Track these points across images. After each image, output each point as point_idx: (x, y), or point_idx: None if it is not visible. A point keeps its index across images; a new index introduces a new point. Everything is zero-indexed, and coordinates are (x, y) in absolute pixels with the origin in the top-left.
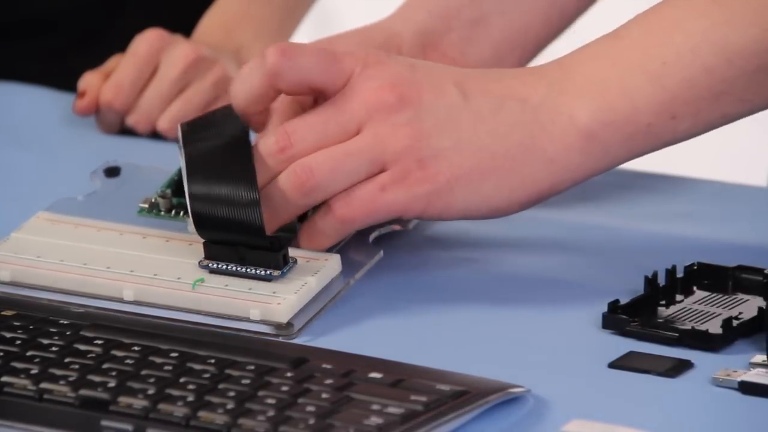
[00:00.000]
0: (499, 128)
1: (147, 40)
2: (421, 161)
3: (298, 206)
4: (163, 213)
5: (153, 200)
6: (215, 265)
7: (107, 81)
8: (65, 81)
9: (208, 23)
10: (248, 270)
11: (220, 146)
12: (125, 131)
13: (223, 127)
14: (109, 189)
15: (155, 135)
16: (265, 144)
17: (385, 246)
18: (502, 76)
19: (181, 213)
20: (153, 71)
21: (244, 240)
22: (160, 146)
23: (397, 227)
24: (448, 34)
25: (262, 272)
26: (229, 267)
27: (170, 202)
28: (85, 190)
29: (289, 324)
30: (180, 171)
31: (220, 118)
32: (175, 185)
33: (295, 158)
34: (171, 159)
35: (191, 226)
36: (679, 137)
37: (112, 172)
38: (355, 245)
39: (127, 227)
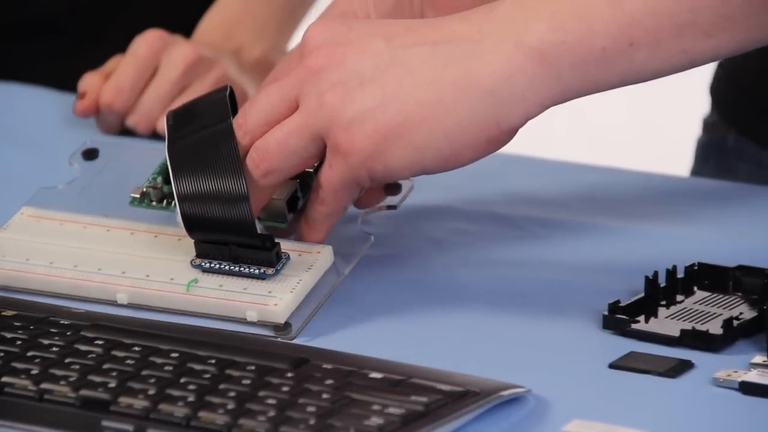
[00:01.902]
0: (428, 75)
1: (147, 41)
2: (346, 129)
3: (260, 188)
4: (154, 203)
5: (144, 190)
6: (208, 265)
7: (107, 82)
8: (65, 81)
9: (208, 23)
10: (242, 269)
11: (205, 145)
12: (126, 132)
13: (208, 120)
14: (88, 175)
15: (155, 136)
16: (234, 121)
17: (385, 246)
18: (448, 20)
19: (173, 203)
20: (153, 72)
21: (236, 240)
22: (161, 146)
23: (383, 207)
24: None
25: (256, 271)
26: (222, 266)
27: (161, 192)
28: (65, 176)
29: (287, 324)
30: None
31: (206, 109)
32: (166, 172)
33: (249, 134)
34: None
35: (180, 217)
36: (637, 69)
37: (91, 154)
38: (346, 234)
39: (114, 222)
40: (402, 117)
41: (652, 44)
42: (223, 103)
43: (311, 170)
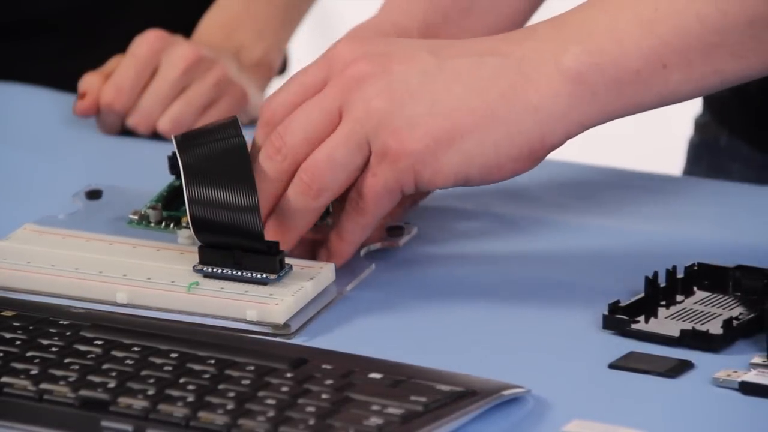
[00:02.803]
0: (477, 84)
1: (147, 41)
2: (396, 133)
3: (312, 210)
4: (153, 224)
5: (143, 212)
6: (210, 269)
7: (107, 82)
8: (65, 81)
9: (208, 23)
10: (244, 274)
11: (217, 151)
12: (126, 132)
13: (220, 133)
14: (91, 209)
15: (156, 136)
16: (264, 151)
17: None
18: (488, 38)
19: (171, 225)
20: (153, 72)
21: (242, 243)
22: (161, 147)
23: (386, 243)
24: (447, 25)
25: (258, 276)
26: (224, 271)
27: (160, 214)
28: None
29: (286, 325)
30: (170, 186)
31: (216, 127)
32: (164, 200)
33: (290, 156)
34: (163, 169)
35: (182, 239)
36: (673, 90)
37: (94, 194)
38: (348, 261)
39: (116, 238)
40: (453, 123)
41: (684, 65)
42: (235, 123)
43: None
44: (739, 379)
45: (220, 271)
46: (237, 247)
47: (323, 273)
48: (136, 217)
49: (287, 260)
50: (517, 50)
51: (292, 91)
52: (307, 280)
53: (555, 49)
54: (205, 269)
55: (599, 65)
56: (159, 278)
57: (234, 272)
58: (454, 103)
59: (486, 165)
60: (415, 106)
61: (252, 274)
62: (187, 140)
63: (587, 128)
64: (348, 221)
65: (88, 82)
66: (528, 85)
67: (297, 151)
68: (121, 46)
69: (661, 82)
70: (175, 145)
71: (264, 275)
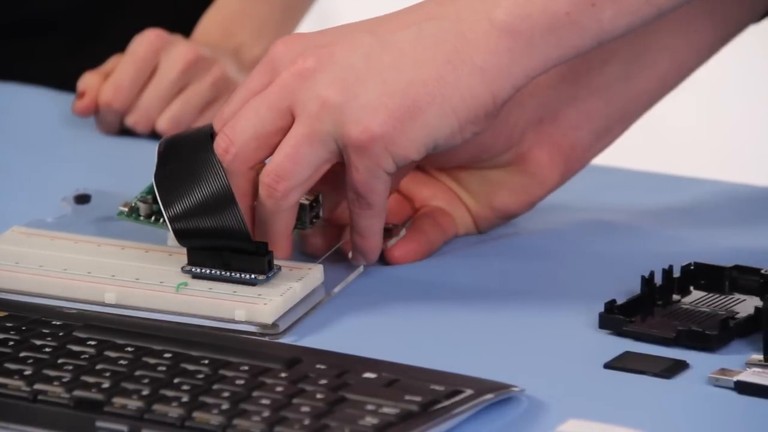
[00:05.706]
0: (422, 55)
1: (146, 40)
2: (359, 123)
3: (285, 210)
4: (142, 218)
5: (133, 204)
6: (198, 270)
7: (106, 81)
8: (65, 81)
9: (207, 23)
10: (233, 274)
11: (189, 162)
12: (125, 131)
13: (190, 141)
14: (79, 213)
15: (155, 135)
16: (216, 146)
17: None
18: (421, 4)
19: (161, 220)
20: (152, 71)
21: (229, 245)
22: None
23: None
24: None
25: (247, 276)
26: (212, 272)
27: (150, 207)
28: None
29: (274, 325)
30: None
31: (191, 134)
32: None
33: (239, 155)
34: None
35: (171, 240)
36: (608, 28)
37: (83, 199)
38: (337, 262)
39: (105, 240)
40: (411, 99)
41: (614, 0)
42: (208, 126)
43: (306, 202)
44: (735, 379)
45: (208, 271)
46: (225, 249)
47: (312, 274)
48: (126, 209)
49: (276, 261)
50: (452, 11)
51: (241, 99)
52: (296, 281)
53: (486, 7)
54: (193, 270)
55: (530, 15)
56: (147, 279)
57: (222, 273)
58: (406, 79)
59: (450, 132)
60: (368, 92)
61: (240, 274)
62: (167, 150)
63: (533, 78)
64: (360, 219)
65: (87, 81)
66: (469, 47)
67: (246, 149)
68: (120, 45)
69: (594, 21)
70: (156, 156)
71: (253, 276)
